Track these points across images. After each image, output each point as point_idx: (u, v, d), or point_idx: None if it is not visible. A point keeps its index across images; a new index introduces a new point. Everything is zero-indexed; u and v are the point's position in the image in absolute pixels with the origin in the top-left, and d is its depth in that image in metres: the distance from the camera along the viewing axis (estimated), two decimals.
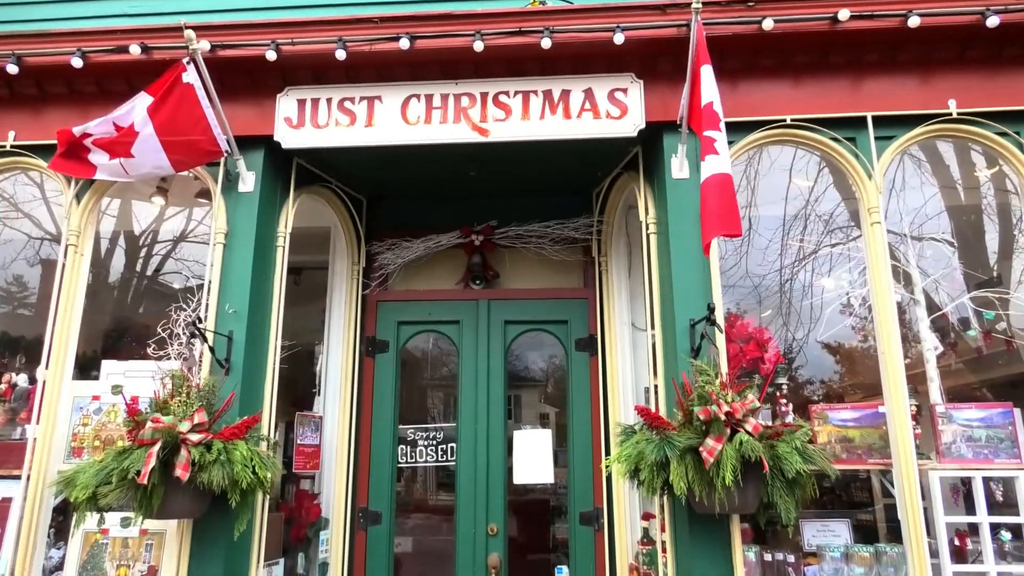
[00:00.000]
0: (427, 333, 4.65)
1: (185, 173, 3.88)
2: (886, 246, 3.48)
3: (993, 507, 3.20)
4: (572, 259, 4.52)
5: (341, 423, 4.32)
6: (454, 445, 4.38)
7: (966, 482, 3.31)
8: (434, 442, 4.44)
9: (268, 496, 3.54)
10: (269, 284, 3.80)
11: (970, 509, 3.23)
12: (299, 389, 4.66)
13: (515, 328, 4.53)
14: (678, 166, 3.56)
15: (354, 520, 4.26)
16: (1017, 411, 3.35)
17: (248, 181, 3.75)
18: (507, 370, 4.48)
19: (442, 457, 4.40)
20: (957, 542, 3.22)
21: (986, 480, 3.22)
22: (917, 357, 3.85)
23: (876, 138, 3.57)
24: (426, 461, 4.44)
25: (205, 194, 3.97)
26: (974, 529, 3.22)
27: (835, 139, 3.59)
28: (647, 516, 3.93)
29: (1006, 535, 3.13)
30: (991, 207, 4.50)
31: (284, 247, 3.90)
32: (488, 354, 4.45)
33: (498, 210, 4.59)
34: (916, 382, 3.82)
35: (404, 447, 4.45)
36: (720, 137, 2.98)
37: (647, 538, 3.87)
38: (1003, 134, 3.55)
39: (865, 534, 3.52)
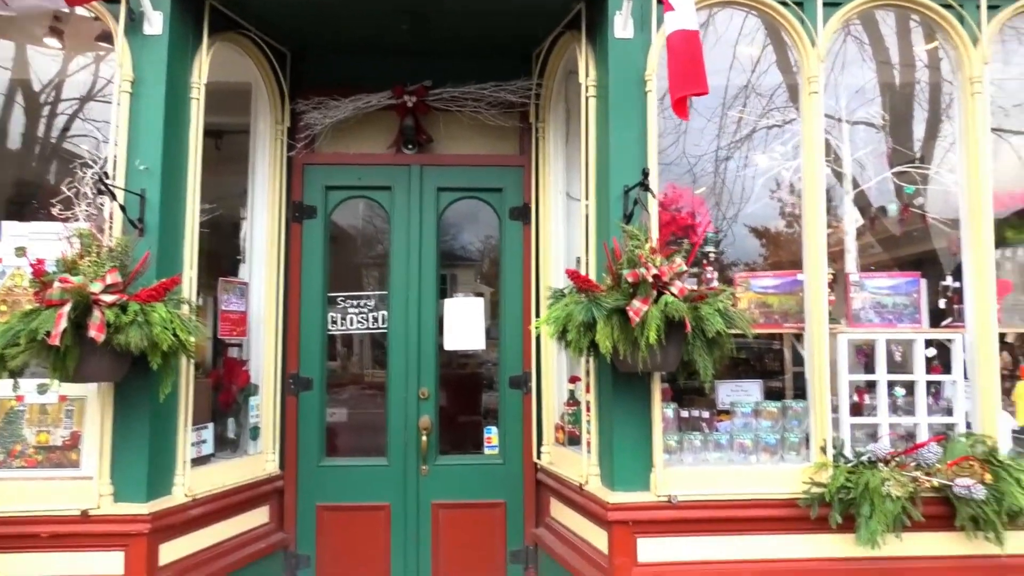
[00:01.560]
0: (357, 199, 4.49)
1: (84, 12, 3.47)
2: (822, 116, 3.49)
3: (892, 367, 3.45)
4: (509, 125, 4.37)
5: (268, 290, 4.21)
6: (386, 313, 4.36)
7: (870, 344, 3.52)
8: (365, 310, 4.41)
9: (193, 360, 3.47)
10: (184, 139, 3.53)
11: (870, 369, 3.47)
12: (223, 258, 4.48)
13: (448, 195, 4.42)
14: (622, 24, 3.40)
15: (284, 386, 4.26)
16: (923, 281, 3.54)
17: (155, 22, 3.39)
18: (440, 237, 4.42)
19: (373, 325, 4.39)
20: (856, 398, 3.48)
21: (888, 343, 3.44)
22: (838, 235, 3.99)
23: (824, 3, 3.48)
24: (357, 329, 4.42)
25: (108, 37, 3.57)
26: (873, 387, 3.47)
27: (783, 2, 3.48)
28: (574, 379, 4.07)
29: (900, 391, 3.40)
30: (923, 87, 4.54)
31: (199, 99, 3.60)
32: (420, 221, 4.35)
33: (433, 70, 4.34)
34: (835, 257, 3.98)
35: (335, 315, 4.41)
36: None
37: (573, 399, 4.03)
38: (947, 6, 3.51)
39: (775, 398, 3.74)
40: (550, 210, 4.23)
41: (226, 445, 4.06)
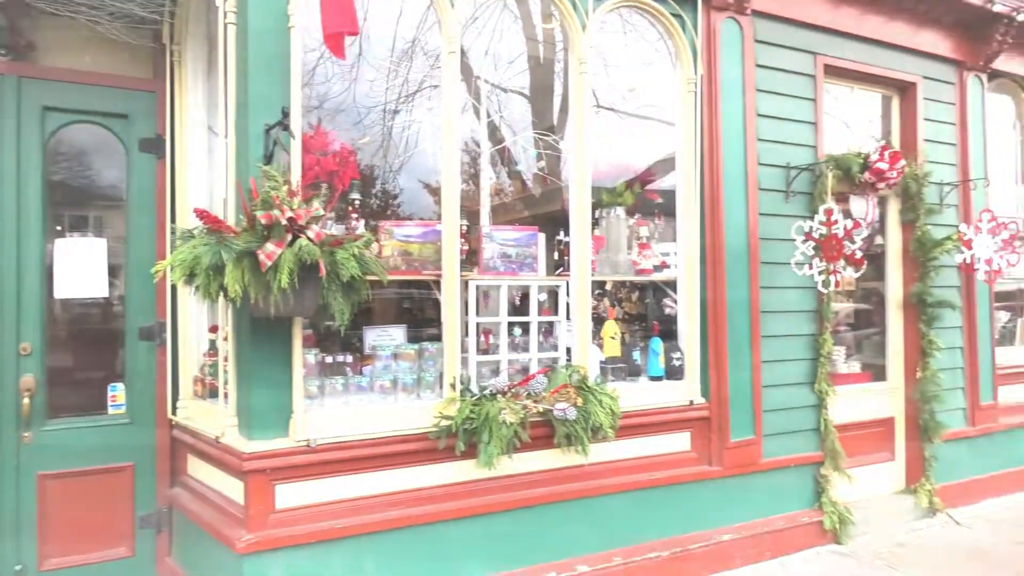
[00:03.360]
0: None
1: None
2: (458, 75, 3.69)
3: (513, 310, 3.90)
4: (138, 43, 3.81)
5: None
6: None
7: (496, 290, 3.92)
8: None
9: None
10: None
11: (495, 312, 3.87)
12: None
13: (58, 117, 3.74)
14: None
15: None
16: (542, 235, 4.04)
17: None
18: (49, 166, 3.74)
19: None
20: (483, 339, 3.87)
21: (510, 288, 3.87)
22: (476, 190, 4.35)
23: None
24: None
25: None
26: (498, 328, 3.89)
27: None
28: (214, 328, 3.83)
29: (518, 331, 3.86)
30: (562, 65, 5.13)
31: None
32: (18, 145, 3.62)
33: None
34: (476, 218, 4.33)
35: None
36: None
37: (213, 349, 3.80)
38: None
39: (432, 342, 3.93)
40: (187, 143, 3.85)
41: None
